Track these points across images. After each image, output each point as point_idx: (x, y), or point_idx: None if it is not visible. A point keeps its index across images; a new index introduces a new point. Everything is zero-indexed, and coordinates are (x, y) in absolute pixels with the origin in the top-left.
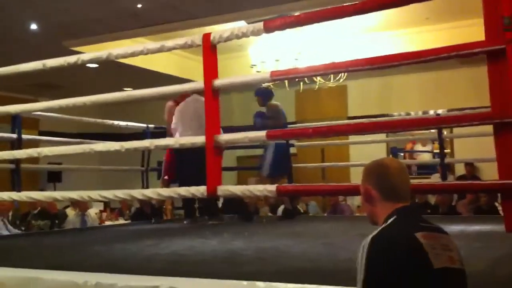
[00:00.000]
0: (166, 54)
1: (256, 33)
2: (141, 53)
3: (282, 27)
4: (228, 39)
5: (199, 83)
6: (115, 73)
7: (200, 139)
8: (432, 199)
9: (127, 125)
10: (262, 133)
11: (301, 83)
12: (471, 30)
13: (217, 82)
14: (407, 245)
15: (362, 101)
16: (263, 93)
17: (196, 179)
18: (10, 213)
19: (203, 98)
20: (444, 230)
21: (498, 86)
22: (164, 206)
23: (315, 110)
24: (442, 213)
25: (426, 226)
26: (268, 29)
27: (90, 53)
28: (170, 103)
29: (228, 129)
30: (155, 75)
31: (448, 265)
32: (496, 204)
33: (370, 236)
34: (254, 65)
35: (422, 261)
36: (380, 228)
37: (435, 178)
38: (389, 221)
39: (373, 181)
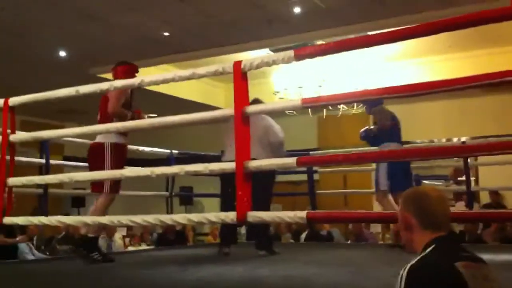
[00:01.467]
0: (190, 81)
1: (286, 60)
2: (172, 80)
3: (312, 55)
4: (258, 66)
5: (230, 110)
6: (139, 99)
7: (230, 165)
8: (457, 227)
9: (151, 150)
10: (292, 160)
11: (324, 109)
12: (493, 58)
13: (248, 109)
14: (447, 275)
15: None
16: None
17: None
18: (35, 238)
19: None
20: (484, 260)
21: None
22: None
23: (337, 137)
24: (468, 242)
25: (466, 255)
26: (299, 56)
27: (122, 80)
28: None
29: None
30: (177, 101)
31: None
32: None
33: (408, 265)
34: (278, 91)
35: None
36: (418, 257)
37: (460, 207)
38: (428, 250)
39: (413, 209)
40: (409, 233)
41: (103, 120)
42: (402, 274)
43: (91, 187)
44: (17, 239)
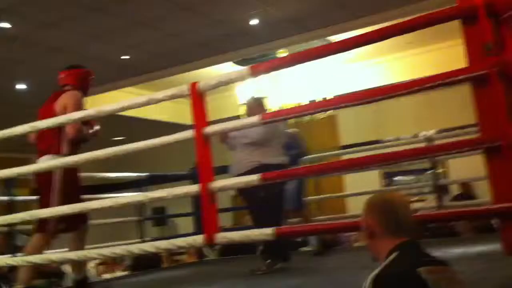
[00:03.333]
0: None
1: (242, 78)
2: (129, 107)
3: (267, 71)
4: (215, 86)
5: (190, 132)
6: (104, 123)
7: (194, 188)
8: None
9: (117, 176)
10: (255, 177)
11: None
12: (456, 50)
13: (208, 130)
14: (410, 282)
15: (354, 128)
16: None
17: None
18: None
19: None
20: (447, 263)
21: (484, 110)
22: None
23: (307, 142)
24: (441, 235)
25: (429, 260)
26: (255, 73)
27: (79, 112)
28: None
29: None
30: (145, 122)
31: None
32: (492, 222)
33: (372, 275)
34: (243, 103)
35: None
36: (382, 266)
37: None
38: (391, 257)
39: (377, 216)
40: (373, 241)
41: (43, 141)
42: (367, 284)
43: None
44: None
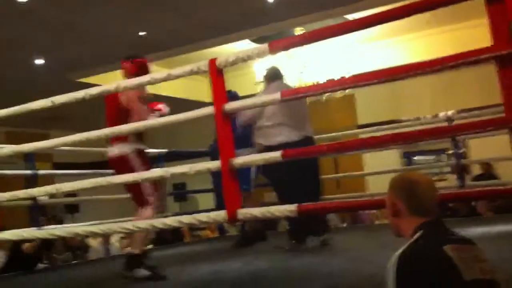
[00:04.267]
0: None
1: (261, 55)
2: (148, 83)
3: (287, 48)
4: (234, 63)
5: (210, 109)
6: None
7: (216, 164)
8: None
9: None
10: (278, 154)
11: None
12: (475, 31)
13: (228, 107)
14: (436, 259)
15: (371, 108)
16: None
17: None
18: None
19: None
20: (473, 241)
21: (510, 90)
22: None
23: (324, 121)
24: (462, 215)
25: (454, 238)
26: (273, 50)
27: (98, 87)
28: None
29: None
30: (162, 99)
31: (480, 276)
32: None
33: (398, 253)
34: (260, 81)
35: (452, 274)
36: (407, 244)
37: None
38: (416, 235)
39: (402, 195)
40: (397, 219)
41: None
42: (392, 262)
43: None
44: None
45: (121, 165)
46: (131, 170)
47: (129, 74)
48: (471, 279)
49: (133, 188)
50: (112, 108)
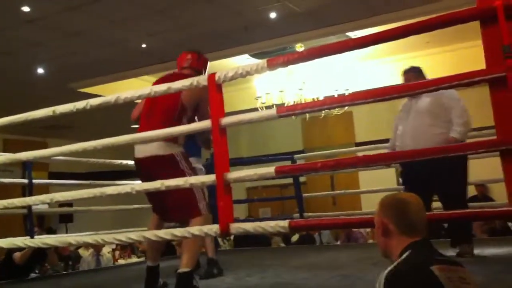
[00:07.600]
0: None
1: (259, 71)
2: (148, 95)
3: (285, 64)
4: (232, 78)
5: (207, 122)
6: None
7: (211, 178)
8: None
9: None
10: (271, 169)
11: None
12: (474, 52)
13: (224, 121)
14: (423, 278)
15: (369, 126)
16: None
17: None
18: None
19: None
20: (460, 263)
21: (502, 112)
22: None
23: (322, 138)
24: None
25: (442, 259)
26: (272, 66)
27: (99, 98)
28: None
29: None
30: None
31: None
32: (510, 224)
33: (385, 272)
34: (259, 96)
35: None
36: (395, 264)
37: None
38: (404, 255)
39: (392, 215)
40: (386, 239)
41: (161, 124)
42: (380, 282)
43: (173, 214)
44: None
45: (167, 166)
46: (180, 173)
47: (192, 67)
48: None
49: (182, 194)
50: (165, 105)
